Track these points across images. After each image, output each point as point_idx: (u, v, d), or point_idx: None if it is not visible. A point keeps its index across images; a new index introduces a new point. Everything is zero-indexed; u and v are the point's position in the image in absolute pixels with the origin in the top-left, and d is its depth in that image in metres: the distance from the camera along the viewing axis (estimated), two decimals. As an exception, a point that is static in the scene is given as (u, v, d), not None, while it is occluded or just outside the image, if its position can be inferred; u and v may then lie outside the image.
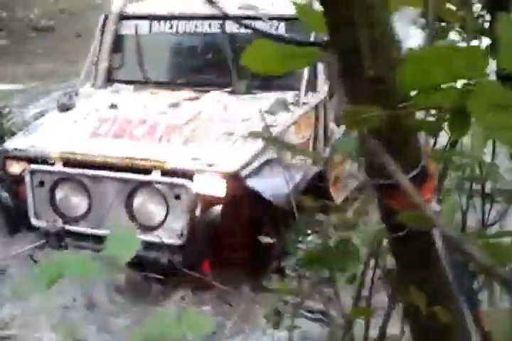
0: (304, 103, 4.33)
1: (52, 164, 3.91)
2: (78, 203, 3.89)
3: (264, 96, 4.37)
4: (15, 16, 13.12)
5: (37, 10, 13.61)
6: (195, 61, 4.85)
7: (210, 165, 3.67)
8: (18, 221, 3.97)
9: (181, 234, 3.64)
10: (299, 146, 4.31)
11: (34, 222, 3.92)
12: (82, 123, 4.18)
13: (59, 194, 3.92)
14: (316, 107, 4.43)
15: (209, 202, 3.64)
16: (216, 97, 4.40)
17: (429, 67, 0.83)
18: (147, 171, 3.74)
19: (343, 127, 4.90)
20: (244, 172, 3.70)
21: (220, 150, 3.83)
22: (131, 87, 4.73)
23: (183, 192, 3.65)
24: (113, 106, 4.31)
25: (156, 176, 3.71)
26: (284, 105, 4.33)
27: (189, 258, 3.62)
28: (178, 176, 3.68)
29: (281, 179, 3.47)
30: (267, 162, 3.84)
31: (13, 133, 5.08)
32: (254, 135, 3.97)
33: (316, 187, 3.84)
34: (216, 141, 3.94)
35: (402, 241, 1.04)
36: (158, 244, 3.67)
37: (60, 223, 3.86)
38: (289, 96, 4.33)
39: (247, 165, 3.76)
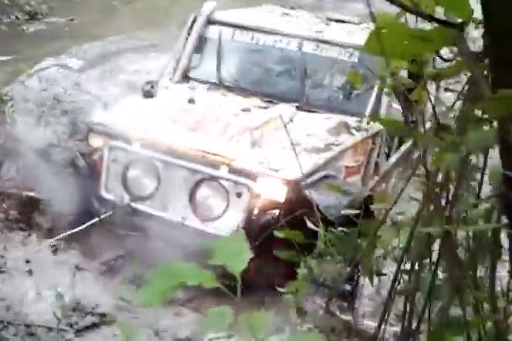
0: (365, 129, 4.67)
1: (131, 144, 4.25)
2: (147, 184, 4.21)
3: (327, 116, 4.71)
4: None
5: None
6: (268, 73, 5.21)
7: (275, 171, 4.00)
8: (89, 190, 4.30)
9: (236, 230, 3.97)
10: (352, 169, 4.66)
11: (104, 194, 4.25)
12: (162, 111, 4.52)
13: (131, 172, 4.25)
14: (374, 135, 4.77)
15: (267, 204, 3.97)
16: (284, 109, 4.75)
17: None
18: (215, 166, 4.08)
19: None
20: (304, 182, 4.04)
21: (284, 158, 4.16)
22: (205, 86, 5.08)
23: (245, 192, 3.98)
24: (191, 100, 4.66)
25: (223, 172, 4.04)
26: (346, 128, 4.67)
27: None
28: (242, 176, 4.01)
29: (337, 195, 3.82)
30: (326, 177, 4.17)
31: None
32: (317, 150, 4.35)
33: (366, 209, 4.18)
34: (281, 149, 4.27)
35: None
36: (213, 235, 4.00)
37: (127, 199, 4.20)
38: (351, 120, 4.67)
39: (308, 176, 4.09)
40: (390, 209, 1.61)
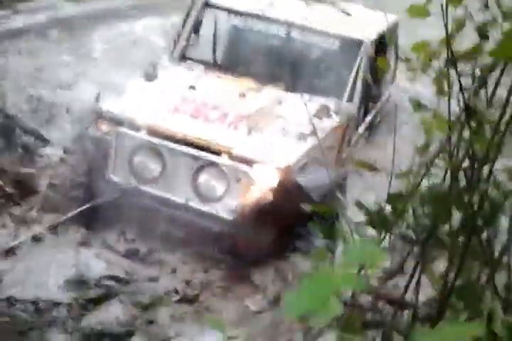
0: (343, 112, 5.13)
1: (138, 131, 4.63)
2: (152, 168, 4.62)
3: (310, 98, 5.12)
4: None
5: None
6: (258, 56, 5.60)
7: (269, 158, 4.46)
8: (98, 172, 4.70)
9: (234, 211, 4.45)
10: (332, 149, 5.15)
11: (111, 176, 4.66)
12: (165, 97, 4.88)
13: (137, 157, 4.64)
14: (349, 118, 5.25)
15: (263, 189, 4.44)
16: (274, 93, 5.15)
17: None
18: (216, 153, 4.50)
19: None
20: (294, 168, 4.51)
21: (277, 146, 4.61)
22: (201, 66, 5.42)
23: (244, 177, 4.44)
24: (192, 87, 5.01)
25: (223, 159, 4.48)
26: (327, 111, 5.12)
27: (237, 231, 4.45)
28: (241, 162, 4.45)
29: (323, 177, 4.30)
30: (311, 161, 4.64)
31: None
32: (304, 137, 4.79)
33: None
34: (273, 136, 4.71)
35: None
36: (213, 215, 4.47)
37: (133, 182, 4.62)
38: (331, 103, 5.12)
39: (298, 161, 4.56)
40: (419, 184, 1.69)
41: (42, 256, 4.43)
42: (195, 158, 4.51)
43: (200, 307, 4.25)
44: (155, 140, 4.58)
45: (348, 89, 5.26)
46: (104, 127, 4.68)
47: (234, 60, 5.68)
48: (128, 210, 4.58)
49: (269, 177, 4.44)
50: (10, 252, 4.41)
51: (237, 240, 4.48)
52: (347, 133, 5.36)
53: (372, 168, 2.01)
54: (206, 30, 5.61)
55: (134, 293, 4.21)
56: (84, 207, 4.68)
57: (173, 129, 4.60)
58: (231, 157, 4.48)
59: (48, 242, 4.63)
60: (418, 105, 1.81)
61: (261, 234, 4.41)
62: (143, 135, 4.61)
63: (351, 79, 5.26)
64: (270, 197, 4.45)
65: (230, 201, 4.47)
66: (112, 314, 3.98)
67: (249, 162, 4.46)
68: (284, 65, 5.46)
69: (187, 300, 4.28)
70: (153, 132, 4.61)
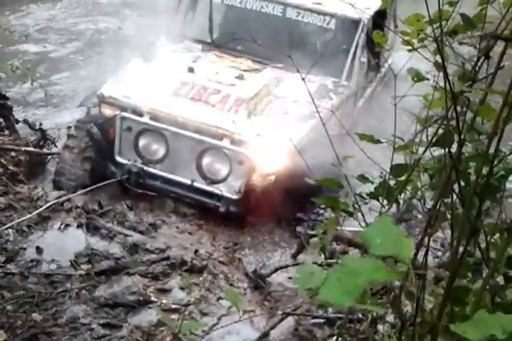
0: (341, 91, 5.23)
1: (141, 115, 4.73)
2: (157, 149, 4.74)
3: (309, 78, 5.21)
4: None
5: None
6: (256, 35, 5.61)
7: (270, 141, 4.59)
8: (105, 155, 4.82)
9: (238, 191, 4.61)
10: (333, 128, 5.26)
11: (118, 158, 4.78)
12: (165, 80, 4.93)
13: (142, 140, 4.75)
14: (349, 96, 5.36)
15: (265, 170, 4.59)
16: (273, 73, 5.23)
17: None
18: (218, 137, 4.62)
19: None
20: (296, 150, 4.64)
21: (277, 128, 4.73)
22: (199, 46, 5.48)
23: (246, 160, 4.56)
24: (190, 69, 5.08)
25: (226, 143, 4.59)
26: (326, 91, 5.23)
27: (242, 210, 4.63)
28: (243, 146, 4.58)
29: (323, 158, 4.45)
30: (313, 142, 4.78)
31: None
32: (305, 118, 4.91)
33: None
34: (274, 119, 4.82)
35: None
36: (219, 196, 4.64)
37: (139, 163, 4.75)
38: (330, 82, 5.21)
39: (298, 143, 4.69)
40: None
41: (51, 232, 4.52)
42: (198, 141, 4.64)
43: (208, 276, 4.31)
44: (158, 124, 4.68)
45: (347, 68, 5.31)
46: (108, 111, 4.78)
47: (231, 39, 5.71)
48: (135, 188, 4.73)
49: (271, 159, 4.58)
50: (20, 230, 4.47)
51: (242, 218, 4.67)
52: (346, 112, 5.45)
53: (374, 140, 2.03)
54: (202, 10, 5.63)
55: (144, 264, 4.28)
56: (91, 187, 4.81)
57: (174, 114, 4.69)
58: (233, 141, 4.60)
59: (56, 219, 4.67)
60: (417, 75, 1.84)
61: (264, 213, 4.60)
62: (146, 119, 4.72)
63: (349, 59, 5.32)
64: (272, 178, 4.61)
65: (233, 182, 4.62)
66: (124, 284, 4.07)
67: (250, 145, 4.59)
68: (282, 45, 5.49)
69: (196, 269, 4.33)
70: (155, 117, 4.71)
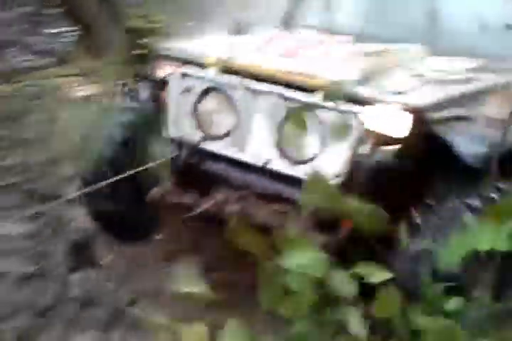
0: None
1: (204, 70, 3.35)
2: (222, 120, 3.29)
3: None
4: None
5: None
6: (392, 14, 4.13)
7: (394, 94, 2.92)
8: (154, 128, 3.44)
9: (338, 175, 2.91)
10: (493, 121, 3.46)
11: (172, 131, 3.38)
12: (247, 41, 3.60)
13: (204, 106, 3.34)
14: None
15: (382, 139, 2.88)
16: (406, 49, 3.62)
17: None
18: (309, 90, 3.05)
19: None
20: (431, 115, 2.92)
21: (404, 86, 3.07)
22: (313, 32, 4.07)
23: (350, 123, 2.91)
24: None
25: (319, 99, 3.00)
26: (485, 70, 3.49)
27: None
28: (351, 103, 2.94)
29: (480, 142, 2.72)
30: (459, 118, 3.03)
31: None
32: (446, 83, 3.22)
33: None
34: (399, 78, 3.18)
35: None
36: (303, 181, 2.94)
37: (198, 138, 3.30)
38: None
39: (435, 109, 2.96)
40: None
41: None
42: (279, 100, 3.09)
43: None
44: (226, 79, 3.25)
45: None
46: (163, 71, 3.45)
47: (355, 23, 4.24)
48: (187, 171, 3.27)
49: (394, 120, 2.88)
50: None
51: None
52: None
53: None
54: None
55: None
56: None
57: (251, 66, 3.25)
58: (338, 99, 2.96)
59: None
60: None
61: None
62: (211, 74, 3.31)
63: None
64: (393, 152, 2.88)
65: (329, 161, 2.95)
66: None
67: (360, 101, 2.94)
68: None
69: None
70: (225, 70, 3.29)
